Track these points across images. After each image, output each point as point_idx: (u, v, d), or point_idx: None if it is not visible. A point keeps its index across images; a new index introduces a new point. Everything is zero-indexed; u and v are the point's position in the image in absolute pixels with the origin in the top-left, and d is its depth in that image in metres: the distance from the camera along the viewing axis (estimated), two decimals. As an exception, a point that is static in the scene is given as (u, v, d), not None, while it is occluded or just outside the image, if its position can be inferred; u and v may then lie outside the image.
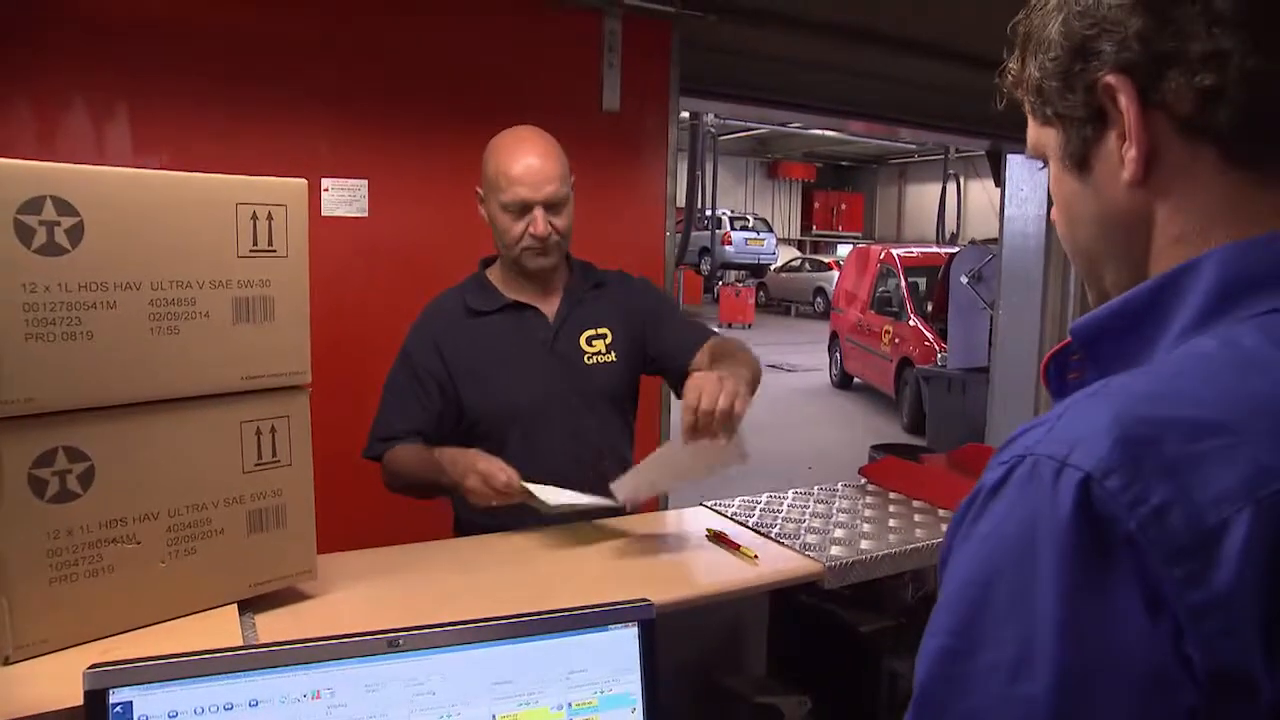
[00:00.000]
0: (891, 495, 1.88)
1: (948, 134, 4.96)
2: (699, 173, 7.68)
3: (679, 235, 4.73)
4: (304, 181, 1.22)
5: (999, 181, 5.18)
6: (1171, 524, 0.47)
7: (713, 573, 1.48)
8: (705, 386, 1.42)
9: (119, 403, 1.08)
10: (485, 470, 1.52)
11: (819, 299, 18.78)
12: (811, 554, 1.50)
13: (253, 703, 0.88)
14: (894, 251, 10.34)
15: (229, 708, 0.87)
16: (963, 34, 3.54)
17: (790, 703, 1.46)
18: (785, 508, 1.77)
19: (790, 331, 16.50)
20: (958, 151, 13.95)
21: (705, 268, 17.47)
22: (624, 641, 1.02)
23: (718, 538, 1.57)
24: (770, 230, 21.21)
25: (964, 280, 7.37)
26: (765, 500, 1.81)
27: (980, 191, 12.59)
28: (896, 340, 9.22)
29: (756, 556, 1.48)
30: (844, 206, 24.93)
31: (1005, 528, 0.52)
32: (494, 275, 1.84)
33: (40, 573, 1.04)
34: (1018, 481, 0.52)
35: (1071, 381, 0.65)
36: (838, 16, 3.48)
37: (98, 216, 1.04)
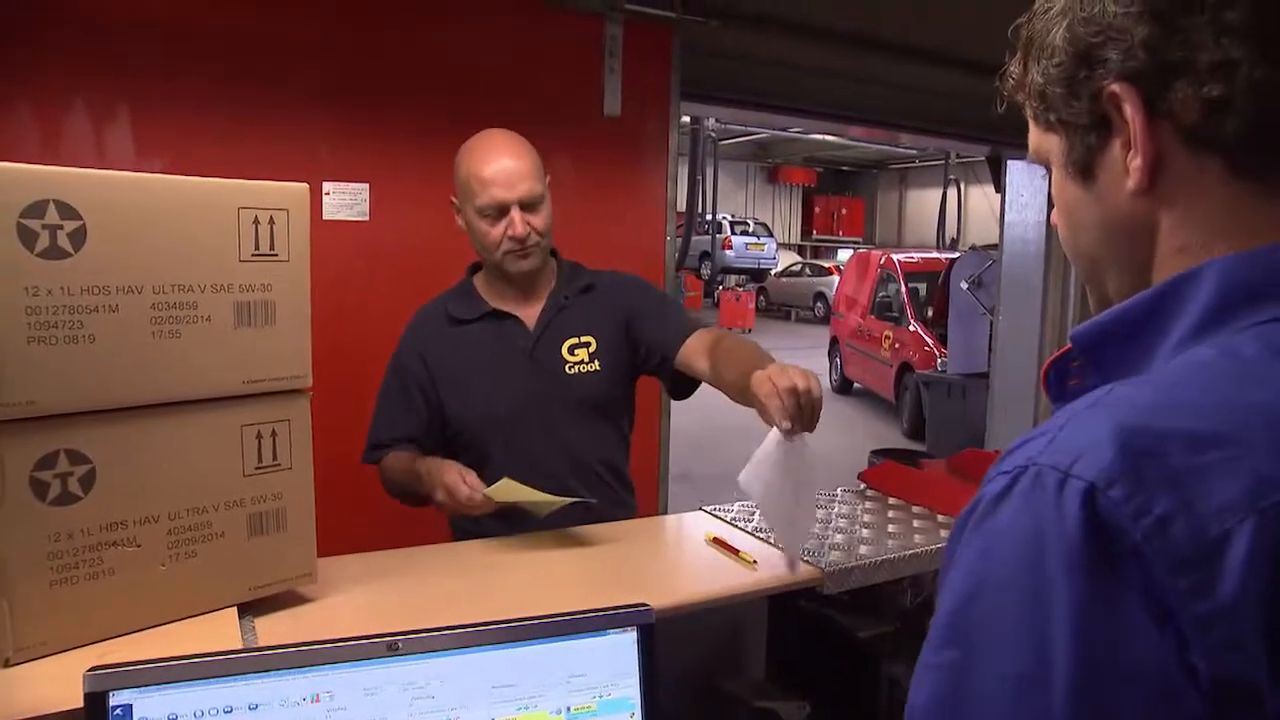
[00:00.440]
0: (891, 501, 1.88)
1: (948, 139, 4.98)
2: (700, 177, 7.69)
3: (679, 240, 4.74)
4: (306, 186, 1.23)
5: (999, 187, 5.19)
6: (1175, 535, 0.47)
7: (712, 578, 1.48)
8: (771, 373, 1.33)
9: (120, 406, 1.09)
10: (449, 484, 1.53)
11: (819, 304, 18.77)
12: (810, 559, 1.50)
13: (252, 706, 0.88)
14: (894, 257, 10.35)
15: (228, 710, 0.87)
16: (964, 40, 3.55)
17: (789, 707, 1.46)
18: (785, 513, 1.76)
19: (790, 336, 16.49)
20: (958, 157, 13.97)
21: (705, 272, 17.48)
22: (623, 646, 1.02)
23: (717, 543, 1.57)
24: (771, 235, 21.21)
25: (964, 286, 7.37)
26: (765, 505, 1.81)
27: (981, 197, 12.61)
28: (896, 345, 9.22)
29: (755, 562, 1.48)
30: (844, 211, 24.94)
31: (1010, 538, 0.52)
32: (479, 282, 1.83)
33: (41, 575, 1.04)
34: (1021, 492, 0.52)
35: (1072, 388, 0.65)
36: (839, 22, 3.49)
37: (100, 220, 1.04)
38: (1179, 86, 0.57)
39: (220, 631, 1.16)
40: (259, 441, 1.21)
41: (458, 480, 1.53)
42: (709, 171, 11.94)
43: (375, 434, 1.78)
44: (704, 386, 1.75)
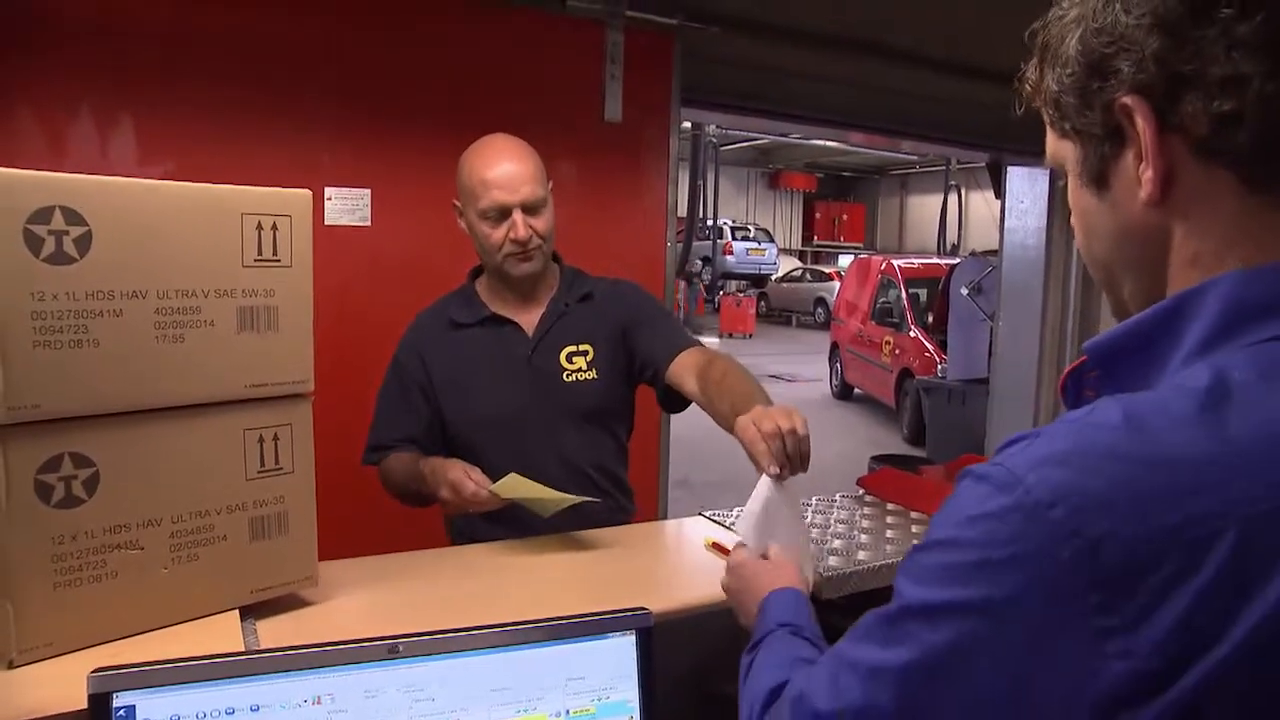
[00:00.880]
0: (889, 506, 1.88)
1: (949, 146, 4.97)
2: (700, 183, 7.71)
3: (680, 245, 4.74)
4: (309, 192, 1.24)
5: (999, 193, 5.20)
6: (1104, 558, 0.50)
7: (711, 582, 1.47)
8: (755, 417, 1.23)
9: (124, 410, 1.09)
10: (454, 480, 1.53)
11: (820, 309, 18.78)
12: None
13: (254, 708, 0.89)
14: (895, 262, 10.35)
15: (230, 712, 0.88)
16: (964, 47, 3.57)
17: (787, 712, 1.46)
18: (784, 517, 1.77)
19: (791, 342, 16.51)
20: (959, 163, 13.98)
21: (705, 276, 17.48)
22: (622, 649, 1.03)
23: (716, 547, 1.58)
24: (771, 240, 21.23)
25: (964, 292, 7.37)
26: (764, 510, 1.81)
27: (981, 203, 12.61)
28: (897, 351, 9.23)
29: (754, 566, 1.48)
30: (845, 217, 24.96)
31: (967, 535, 0.56)
32: (480, 286, 1.84)
33: (45, 577, 1.05)
34: (983, 494, 0.56)
35: (1087, 399, 0.65)
36: (839, 29, 3.50)
37: (105, 226, 1.05)
38: (1190, 100, 0.57)
39: (222, 634, 1.16)
40: (261, 445, 1.22)
41: (463, 476, 1.53)
42: (710, 177, 11.95)
43: (375, 435, 1.79)
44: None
